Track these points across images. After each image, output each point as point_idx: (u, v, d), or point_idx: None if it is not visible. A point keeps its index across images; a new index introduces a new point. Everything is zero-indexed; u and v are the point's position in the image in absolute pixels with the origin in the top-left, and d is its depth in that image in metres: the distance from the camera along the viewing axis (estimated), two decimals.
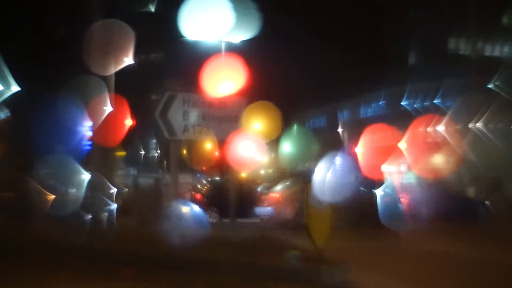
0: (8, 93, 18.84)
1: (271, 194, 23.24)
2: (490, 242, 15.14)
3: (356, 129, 35.41)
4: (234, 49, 16.28)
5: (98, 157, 18.60)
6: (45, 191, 18.61)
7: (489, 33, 38.99)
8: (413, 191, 22.30)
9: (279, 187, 23.64)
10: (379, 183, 21.81)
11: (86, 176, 18.92)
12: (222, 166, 18.90)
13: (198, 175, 30.25)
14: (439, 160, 23.12)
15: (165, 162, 31.25)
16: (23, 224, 18.07)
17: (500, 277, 11.05)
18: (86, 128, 19.10)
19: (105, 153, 18.97)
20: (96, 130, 18.20)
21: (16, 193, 19.36)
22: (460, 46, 43.85)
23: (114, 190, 18.66)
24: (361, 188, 21.57)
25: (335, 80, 44.63)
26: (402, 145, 24.91)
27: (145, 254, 13.49)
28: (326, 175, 13.15)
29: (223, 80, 14.61)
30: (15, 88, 18.65)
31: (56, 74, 23.75)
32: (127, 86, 19.00)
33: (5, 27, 25.68)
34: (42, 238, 14.82)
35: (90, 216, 17.54)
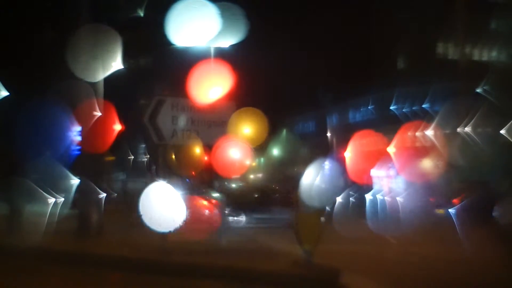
0: None
1: None
2: (481, 245, 15.17)
3: (345, 133, 35.51)
4: (222, 54, 16.28)
5: (86, 162, 18.54)
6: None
7: (477, 38, 39.17)
8: (402, 195, 22.36)
9: None
10: (367, 187, 21.87)
11: (74, 181, 18.88)
12: (211, 171, 18.85)
13: (187, 180, 30.14)
14: (427, 164, 23.18)
15: (154, 167, 31.18)
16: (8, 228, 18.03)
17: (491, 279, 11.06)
18: (74, 133, 19.05)
19: (94, 158, 18.91)
20: (84, 136, 18.13)
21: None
22: (448, 50, 44.02)
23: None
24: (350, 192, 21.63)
25: (324, 84, 44.71)
26: (391, 149, 24.99)
27: (135, 259, 13.46)
28: (315, 179, 13.15)
29: (212, 85, 14.61)
30: (3, 92, 18.58)
31: (44, 79, 23.65)
32: (115, 91, 18.96)
33: None
34: (28, 243, 14.77)
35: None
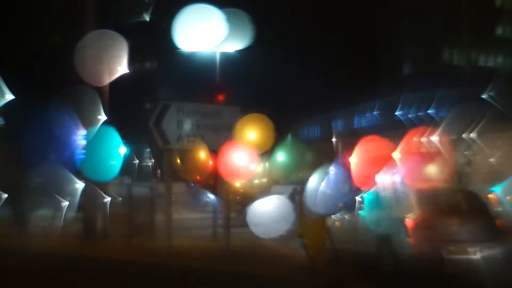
0: (2, 102, 18.77)
1: None
2: None
3: (350, 139, 35.40)
4: (229, 59, 16.31)
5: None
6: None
7: (483, 44, 39.14)
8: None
9: None
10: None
11: (79, 185, 18.90)
12: (217, 176, 18.81)
13: (192, 184, 30.11)
14: (433, 171, 23.05)
15: (159, 172, 31.14)
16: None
17: None
18: (80, 137, 19.03)
19: None
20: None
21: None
22: (454, 56, 43.99)
23: None
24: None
25: (330, 90, 44.73)
26: (396, 155, 24.86)
27: (140, 264, 13.46)
28: (320, 185, 13.12)
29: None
30: (9, 96, 18.59)
31: (51, 83, 23.69)
32: (121, 95, 18.99)
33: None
34: (33, 247, 14.79)
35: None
